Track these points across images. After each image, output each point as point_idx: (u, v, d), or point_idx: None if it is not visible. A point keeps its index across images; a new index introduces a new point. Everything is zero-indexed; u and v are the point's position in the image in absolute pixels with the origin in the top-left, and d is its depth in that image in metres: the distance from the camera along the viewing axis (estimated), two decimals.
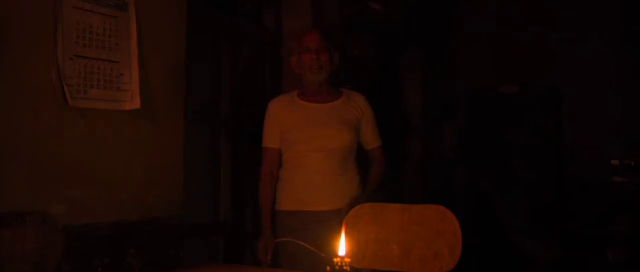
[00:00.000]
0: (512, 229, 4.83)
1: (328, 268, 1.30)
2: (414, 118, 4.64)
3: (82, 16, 1.86)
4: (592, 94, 4.76)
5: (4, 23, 1.64)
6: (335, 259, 1.29)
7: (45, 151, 1.75)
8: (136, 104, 2.00)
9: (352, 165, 2.39)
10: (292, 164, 2.36)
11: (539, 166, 5.03)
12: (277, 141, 2.38)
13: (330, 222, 2.22)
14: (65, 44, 1.81)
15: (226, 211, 2.77)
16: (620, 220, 3.80)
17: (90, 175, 1.88)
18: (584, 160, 4.62)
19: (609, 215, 3.95)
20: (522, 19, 4.92)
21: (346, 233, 1.37)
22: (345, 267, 1.29)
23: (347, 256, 1.31)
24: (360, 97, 2.46)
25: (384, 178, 2.46)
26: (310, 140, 2.31)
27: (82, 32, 1.86)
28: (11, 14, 1.66)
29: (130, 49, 2.02)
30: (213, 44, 2.80)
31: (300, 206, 2.32)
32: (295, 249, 2.16)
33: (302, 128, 2.33)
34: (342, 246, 1.33)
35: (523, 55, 4.94)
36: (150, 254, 2.01)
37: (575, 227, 4.45)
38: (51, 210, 1.74)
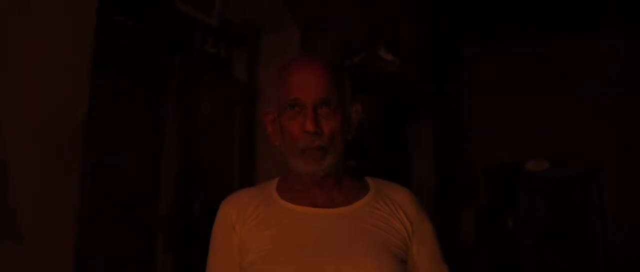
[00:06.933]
0: None
1: None
2: (425, 198, 3.80)
3: None
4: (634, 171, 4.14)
5: None
6: None
7: None
8: None
9: None
10: None
11: (582, 260, 4.26)
12: None
13: None
14: None
15: None
16: None
17: None
18: (632, 253, 3.94)
19: None
20: (546, 84, 4.49)
21: None
22: None
23: None
24: (406, 194, 1.22)
25: None
26: None
27: None
28: None
29: None
30: (149, 99, 1.81)
31: None
32: None
33: (286, 260, 1.10)
34: None
35: (549, 125, 4.49)
36: None
37: None
38: None
